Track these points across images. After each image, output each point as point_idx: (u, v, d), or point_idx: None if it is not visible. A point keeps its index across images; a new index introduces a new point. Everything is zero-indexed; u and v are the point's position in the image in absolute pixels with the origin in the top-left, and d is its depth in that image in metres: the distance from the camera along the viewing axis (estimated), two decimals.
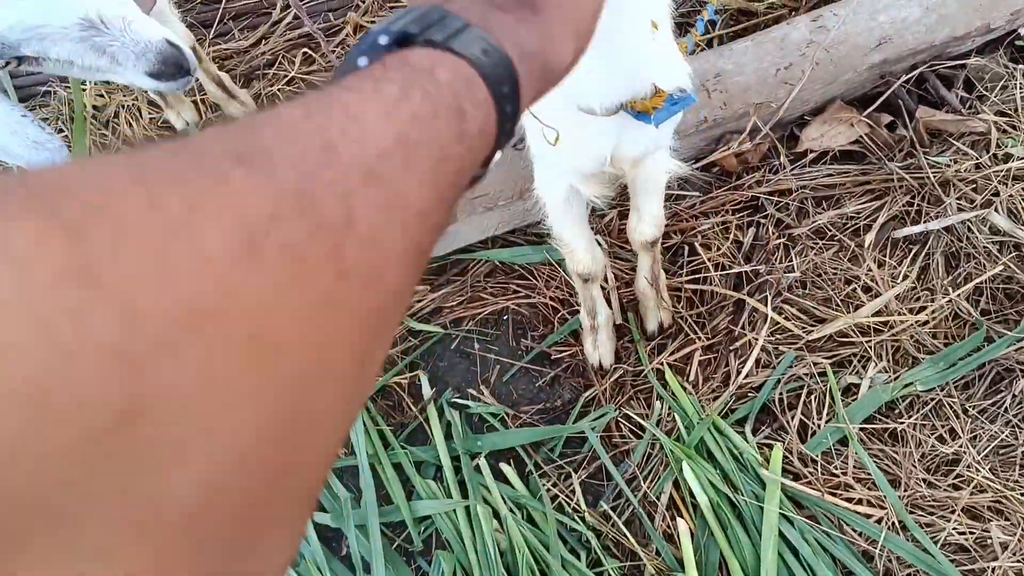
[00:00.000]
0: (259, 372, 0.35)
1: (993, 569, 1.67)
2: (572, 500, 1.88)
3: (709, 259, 2.00)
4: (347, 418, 0.42)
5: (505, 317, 2.08)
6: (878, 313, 1.89)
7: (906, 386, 1.86)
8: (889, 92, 2.02)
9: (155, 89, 1.39)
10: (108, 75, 1.35)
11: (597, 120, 1.20)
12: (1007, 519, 1.72)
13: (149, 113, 2.40)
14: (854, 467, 1.80)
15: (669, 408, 1.90)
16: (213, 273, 0.34)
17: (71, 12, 1.23)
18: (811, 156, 2.05)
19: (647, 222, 1.71)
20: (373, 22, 2.43)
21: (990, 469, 1.79)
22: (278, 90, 2.35)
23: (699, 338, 1.95)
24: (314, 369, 0.38)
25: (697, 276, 2.01)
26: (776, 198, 2.03)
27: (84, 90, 2.42)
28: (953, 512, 1.72)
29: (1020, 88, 2.03)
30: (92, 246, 0.31)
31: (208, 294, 0.34)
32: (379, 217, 0.44)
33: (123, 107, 2.41)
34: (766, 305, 1.93)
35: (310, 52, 2.42)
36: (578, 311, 1.98)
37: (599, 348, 1.96)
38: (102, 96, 2.43)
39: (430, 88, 0.51)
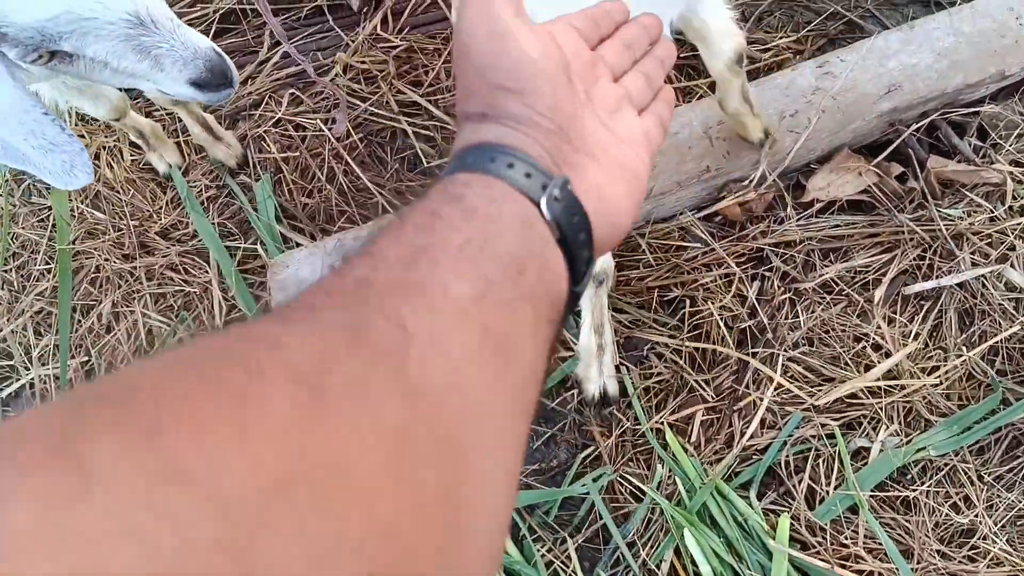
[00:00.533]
0: (356, 523, 0.35)
1: None
2: (568, 567, 1.79)
3: (712, 313, 1.92)
4: (453, 543, 0.42)
5: None
6: (889, 373, 1.81)
7: (918, 450, 1.77)
8: (899, 141, 1.95)
9: (192, 98, 1.31)
10: (139, 81, 1.26)
11: None
12: None
13: (131, 155, 2.31)
14: (865, 536, 1.71)
15: (670, 470, 1.81)
16: (286, 434, 0.34)
17: (119, 6, 1.15)
18: (818, 206, 1.97)
19: (721, 37, 1.59)
20: (363, 62, 2.36)
21: (1007, 540, 1.70)
22: (264, 131, 2.27)
23: (701, 397, 1.86)
24: (408, 502, 0.38)
25: (699, 332, 1.93)
26: (782, 250, 1.95)
27: None
28: None
29: None
30: (173, 442, 0.32)
31: (287, 457, 0.34)
32: (440, 328, 0.46)
33: (104, 148, 2.33)
34: (771, 364, 1.84)
35: (297, 93, 2.34)
36: (568, 356, 1.89)
37: (605, 373, 1.85)
38: (83, 136, 2.35)
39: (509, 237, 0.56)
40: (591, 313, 1.79)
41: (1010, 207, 1.89)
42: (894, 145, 1.95)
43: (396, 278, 0.49)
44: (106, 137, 2.35)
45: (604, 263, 1.72)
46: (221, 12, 2.54)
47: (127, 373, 0.37)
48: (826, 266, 1.92)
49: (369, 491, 0.36)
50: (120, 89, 1.91)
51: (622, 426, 1.88)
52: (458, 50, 0.69)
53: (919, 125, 1.96)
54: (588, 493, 1.84)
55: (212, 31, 2.51)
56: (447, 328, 0.47)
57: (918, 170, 1.94)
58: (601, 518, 1.82)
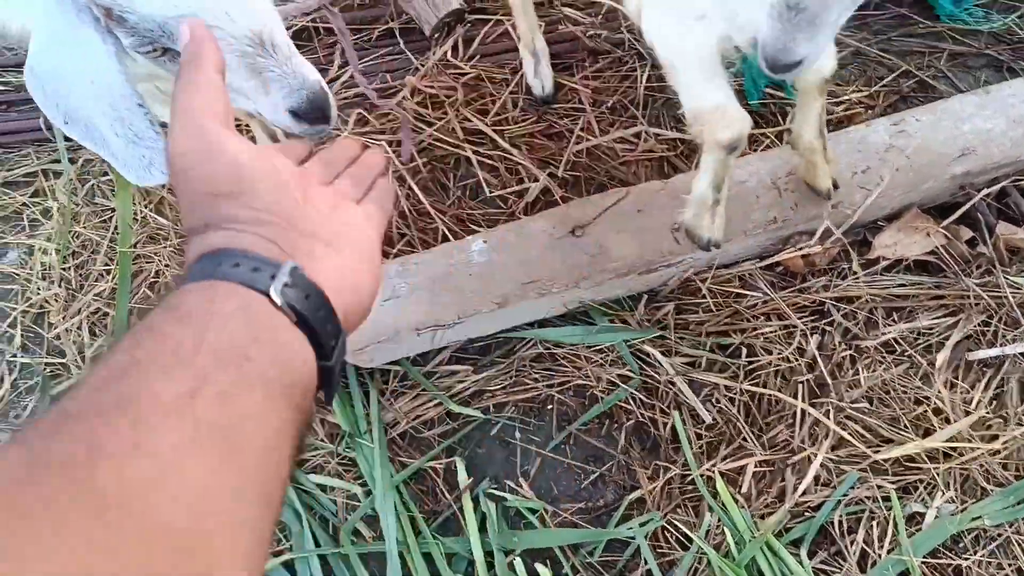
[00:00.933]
0: None
1: None
2: None
3: (770, 363, 1.90)
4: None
5: (549, 407, 1.98)
6: (948, 438, 1.79)
7: (974, 519, 1.75)
8: (969, 204, 1.93)
9: (287, 127, 1.32)
10: (239, 99, 1.26)
11: None
12: None
13: None
14: None
15: (719, 520, 1.79)
16: None
17: (245, 23, 1.16)
18: (883, 264, 1.96)
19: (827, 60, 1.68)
20: (431, 87, 2.37)
21: None
22: None
23: (755, 448, 1.85)
24: None
25: (756, 380, 1.92)
26: (844, 305, 1.94)
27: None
28: None
29: None
30: None
31: None
32: (143, 434, 0.48)
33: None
34: (829, 418, 1.82)
35: (364, 113, 2.36)
36: (614, 387, 1.88)
37: (717, 221, 1.84)
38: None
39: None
40: (713, 171, 1.75)
41: None
42: (964, 208, 1.94)
43: (94, 401, 0.50)
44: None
45: (734, 133, 1.65)
46: (294, 29, 2.57)
47: None
48: (889, 325, 1.90)
49: None
50: None
51: (669, 472, 1.86)
52: (172, 171, 0.71)
53: (990, 190, 1.95)
54: (634, 537, 1.82)
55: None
56: (150, 432, 0.48)
57: (987, 235, 1.93)
58: (646, 563, 1.80)
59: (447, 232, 2.17)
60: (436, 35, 2.48)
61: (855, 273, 1.95)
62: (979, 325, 1.88)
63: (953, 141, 1.93)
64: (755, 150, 2.15)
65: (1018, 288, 1.88)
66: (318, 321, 0.64)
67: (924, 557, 1.72)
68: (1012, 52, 2.26)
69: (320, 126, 1.28)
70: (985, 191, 1.94)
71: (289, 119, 1.25)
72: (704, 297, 1.99)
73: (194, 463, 0.48)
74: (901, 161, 1.91)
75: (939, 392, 1.82)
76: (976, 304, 1.88)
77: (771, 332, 1.94)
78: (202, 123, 0.71)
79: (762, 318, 1.96)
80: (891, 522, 1.74)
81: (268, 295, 0.61)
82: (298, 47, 2.53)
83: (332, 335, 0.66)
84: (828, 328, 1.93)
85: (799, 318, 1.93)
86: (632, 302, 2.03)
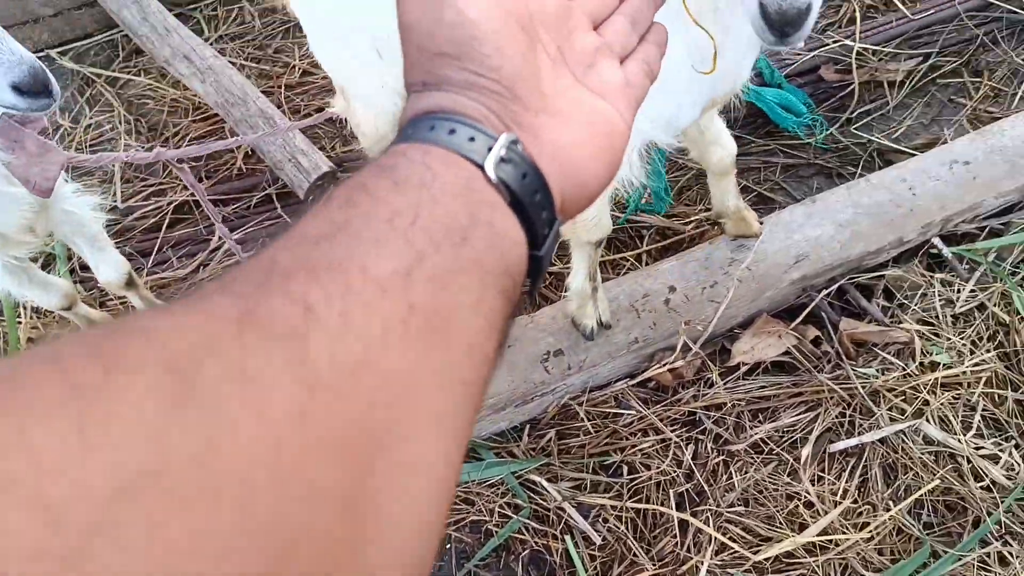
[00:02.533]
0: (224, 521, 0.32)
1: None
2: None
3: (650, 477, 1.98)
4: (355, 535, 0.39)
5: (447, 545, 2.01)
6: (823, 530, 1.87)
7: None
8: (812, 305, 2.08)
9: (13, 105, 1.34)
10: None
11: (743, 27, 1.25)
12: None
13: None
14: None
15: None
16: (139, 429, 0.32)
17: None
18: (743, 368, 2.08)
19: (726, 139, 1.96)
20: None
21: None
22: None
23: (646, 563, 1.90)
24: (295, 494, 0.36)
25: (640, 496, 1.99)
26: (713, 412, 2.04)
27: (19, 323, 2.40)
28: None
29: (939, 296, 2.11)
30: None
31: (138, 454, 0.31)
32: (353, 307, 0.43)
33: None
34: (709, 525, 1.90)
35: None
36: (507, 519, 1.93)
37: (600, 305, 2.04)
38: (36, 329, 2.41)
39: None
40: (586, 265, 1.95)
41: (921, 363, 2.01)
42: (808, 309, 2.09)
43: (307, 257, 0.47)
44: (59, 328, 2.42)
45: (602, 234, 1.89)
46: (174, 204, 2.67)
47: None
48: (755, 427, 2.00)
49: (242, 485, 0.34)
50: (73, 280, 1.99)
51: None
52: (400, 22, 0.66)
53: (829, 290, 2.10)
54: None
55: (166, 222, 2.63)
56: (362, 307, 0.45)
57: (832, 332, 2.07)
58: None
59: None
60: (311, 197, 2.60)
61: (718, 383, 2.06)
62: (836, 417, 2.00)
63: (787, 250, 2.09)
64: (617, 274, 2.28)
65: (867, 379, 2.01)
66: (533, 206, 0.59)
67: None
68: (839, 159, 2.46)
69: (44, 99, 1.32)
70: (824, 292, 2.09)
71: (13, 95, 1.28)
72: (582, 420, 2.07)
73: (403, 348, 0.45)
74: (744, 273, 2.06)
75: (807, 487, 1.92)
76: (831, 397, 2.00)
77: (648, 447, 2.02)
78: None
79: (639, 434, 2.05)
80: None
81: (482, 168, 0.57)
82: (179, 220, 2.62)
83: (546, 223, 0.60)
84: (700, 436, 2.02)
85: (672, 430, 2.02)
86: (516, 432, 2.10)
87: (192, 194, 2.71)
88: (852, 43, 2.58)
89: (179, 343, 0.37)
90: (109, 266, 2.04)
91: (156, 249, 2.55)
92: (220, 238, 2.53)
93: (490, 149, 0.57)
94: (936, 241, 2.15)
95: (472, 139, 0.57)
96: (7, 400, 0.31)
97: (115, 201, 2.76)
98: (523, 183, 0.58)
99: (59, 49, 3.14)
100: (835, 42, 2.60)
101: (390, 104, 2.02)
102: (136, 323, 0.39)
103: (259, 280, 0.44)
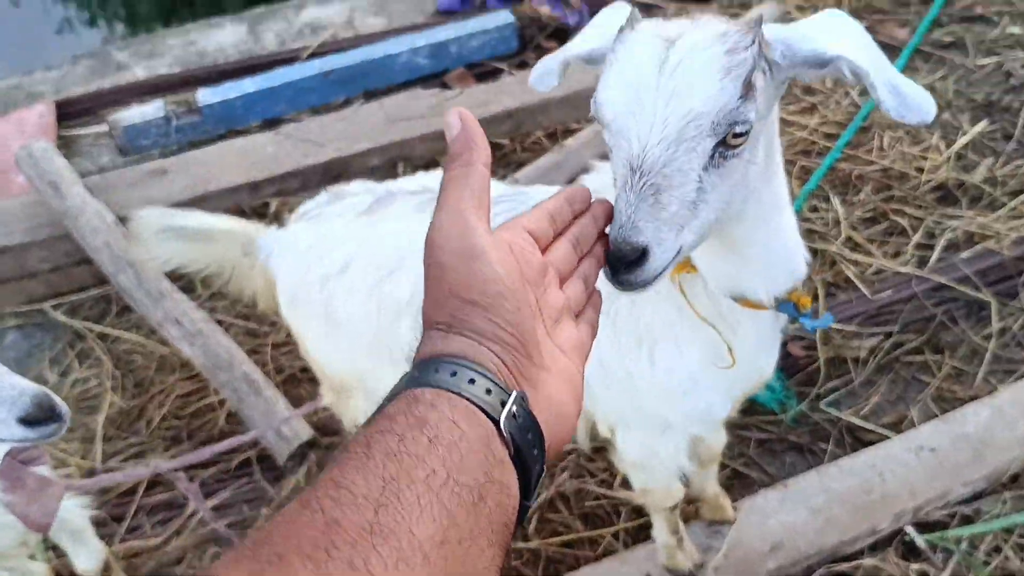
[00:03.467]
0: None
1: None
2: None
3: None
4: None
5: None
6: None
7: None
8: None
9: (24, 438, 1.33)
10: None
11: (762, 322, 1.43)
12: None
13: None
14: None
15: None
16: None
17: None
18: None
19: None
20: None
21: None
22: None
23: None
24: None
25: None
26: None
27: None
28: None
29: None
30: None
31: None
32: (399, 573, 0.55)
33: None
34: None
35: (220, 551, 2.41)
36: None
37: (687, 550, 2.08)
38: None
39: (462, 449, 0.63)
40: (667, 524, 2.03)
41: None
42: None
43: (366, 522, 0.56)
44: None
45: (675, 501, 1.97)
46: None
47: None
48: None
49: None
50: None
51: None
52: (431, 259, 0.74)
53: None
54: None
55: (143, 486, 2.62)
56: (411, 573, 0.55)
57: None
58: None
59: None
60: (290, 463, 2.61)
61: None
62: None
63: (763, 536, 2.09)
64: (593, 550, 2.27)
65: None
66: (531, 459, 0.68)
67: None
68: (810, 435, 2.52)
69: (54, 424, 1.32)
70: None
71: (22, 429, 1.28)
72: None
73: None
74: (719, 560, 2.05)
75: None
76: None
77: None
78: (467, 221, 0.73)
79: None
80: None
81: (497, 423, 0.66)
82: (154, 484, 2.61)
83: (538, 474, 0.69)
84: None
85: None
86: None
87: (172, 456, 2.72)
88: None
89: None
90: (88, 556, 2.04)
91: (130, 514, 2.53)
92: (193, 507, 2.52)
93: (503, 403, 0.67)
94: (909, 529, 2.16)
95: (488, 391, 0.67)
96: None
97: (94, 461, 2.76)
98: (526, 438, 0.67)
99: (53, 302, 3.24)
100: None
101: None
102: None
103: (327, 543, 0.54)
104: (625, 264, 0.95)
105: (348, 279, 1.71)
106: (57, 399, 1.40)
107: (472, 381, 0.67)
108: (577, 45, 1.23)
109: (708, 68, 1.01)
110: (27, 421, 1.34)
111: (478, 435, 0.64)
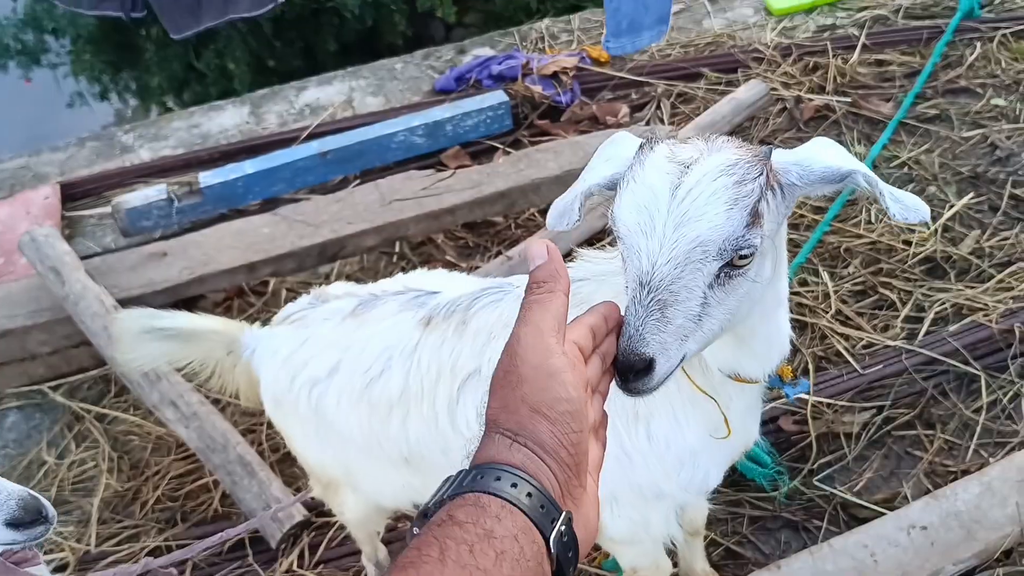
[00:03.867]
0: None
1: None
2: None
3: None
4: None
5: None
6: None
7: None
8: None
9: (12, 541, 1.34)
10: None
11: (750, 392, 1.52)
12: None
13: None
14: None
15: None
16: None
17: None
18: None
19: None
20: None
21: None
22: None
23: None
24: None
25: None
26: None
27: None
28: None
29: None
30: None
31: None
32: None
33: None
34: None
35: None
36: None
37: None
38: None
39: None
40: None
41: None
42: None
43: None
44: None
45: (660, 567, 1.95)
46: (147, 548, 2.67)
47: None
48: None
49: None
50: None
51: None
52: (510, 367, 0.81)
53: None
54: None
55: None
56: None
57: None
58: None
59: None
60: (283, 545, 2.61)
61: None
62: None
63: None
64: None
65: None
66: (568, 573, 0.75)
67: None
68: (804, 511, 2.51)
69: (41, 527, 1.33)
70: None
71: (9, 532, 1.29)
72: None
73: None
74: None
75: None
76: None
77: None
78: (548, 341, 0.81)
79: None
80: None
81: (548, 541, 0.72)
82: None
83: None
84: None
85: None
86: None
87: (166, 539, 2.73)
88: (807, 396, 2.71)
89: None
90: None
91: None
92: None
93: (552, 520, 0.73)
94: None
95: (542, 507, 0.73)
96: None
97: (89, 545, 2.77)
98: (567, 556, 0.73)
99: (52, 383, 3.28)
100: None
101: (394, 504, 2.09)
102: None
103: None
104: (633, 373, 1.03)
105: (337, 383, 1.75)
106: (43, 500, 1.42)
107: (530, 495, 0.74)
108: (593, 176, 1.30)
109: (717, 198, 1.10)
110: (14, 524, 1.35)
111: (533, 552, 0.71)
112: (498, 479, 0.74)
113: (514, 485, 0.74)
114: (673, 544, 1.88)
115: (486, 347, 1.55)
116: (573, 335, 0.89)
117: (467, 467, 0.79)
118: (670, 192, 1.10)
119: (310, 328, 1.79)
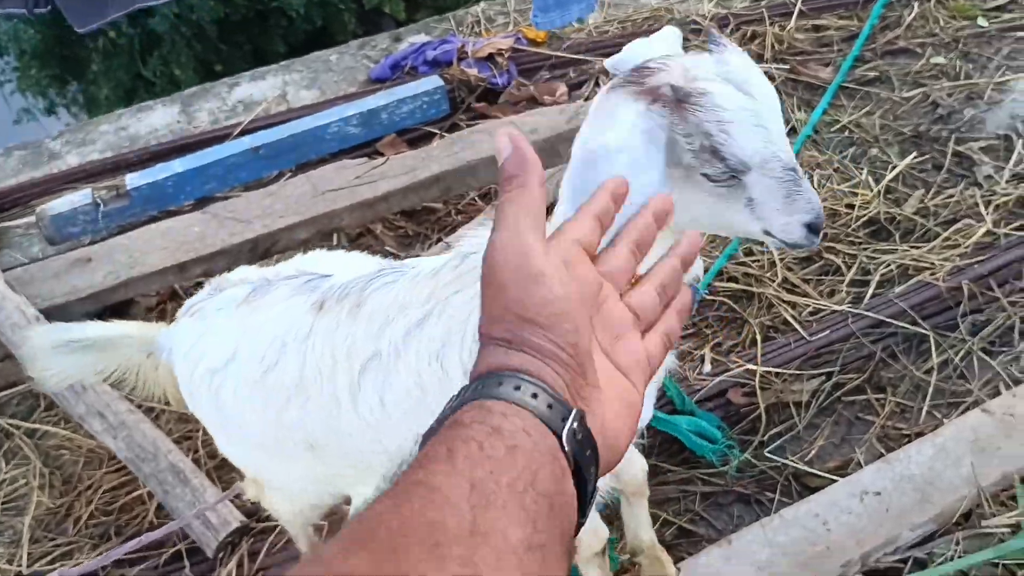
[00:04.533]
0: None
1: None
2: None
3: None
4: None
5: None
6: None
7: None
8: None
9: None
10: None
11: None
12: None
13: None
14: None
15: None
16: None
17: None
18: None
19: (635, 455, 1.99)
20: None
21: None
22: None
23: None
24: None
25: None
26: None
27: None
28: None
29: None
30: None
31: None
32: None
33: None
34: None
35: None
36: None
37: None
38: None
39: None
40: (600, 570, 1.96)
41: None
42: None
43: (466, 523, 0.58)
44: None
45: (602, 543, 1.90)
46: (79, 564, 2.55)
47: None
48: None
49: None
50: None
51: None
52: (490, 279, 0.74)
53: None
54: None
55: None
56: (509, 571, 0.57)
57: None
58: None
59: None
60: (220, 554, 2.50)
61: None
62: None
63: None
64: None
65: None
66: (590, 476, 0.69)
67: None
68: (756, 484, 2.44)
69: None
70: None
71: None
72: None
73: None
74: None
75: None
76: None
77: None
78: (526, 241, 0.74)
79: None
80: None
81: (560, 439, 0.67)
82: None
83: (591, 493, 0.70)
84: None
85: None
86: None
87: (99, 555, 2.60)
88: (755, 366, 2.64)
89: None
90: None
91: None
92: None
93: (563, 419, 0.67)
94: None
95: (550, 406, 0.68)
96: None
97: (20, 566, 2.64)
98: (584, 455, 0.68)
99: None
100: (738, 366, 2.67)
101: (316, 498, 1.99)
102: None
103: (437, 540, 0.56)
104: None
105: (232, 372, 1.66)
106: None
107: (535, 396, 0.68)
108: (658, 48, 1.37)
109: None
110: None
111: (548, 446, 0.66)
112: (500, 384, 0.69)
113: (517, 387, 0.68)
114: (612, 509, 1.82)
115: (383, 330, 1.46)
116: (575, 231, 0.80)
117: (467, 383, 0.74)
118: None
119: (207, 320, 1.70)
